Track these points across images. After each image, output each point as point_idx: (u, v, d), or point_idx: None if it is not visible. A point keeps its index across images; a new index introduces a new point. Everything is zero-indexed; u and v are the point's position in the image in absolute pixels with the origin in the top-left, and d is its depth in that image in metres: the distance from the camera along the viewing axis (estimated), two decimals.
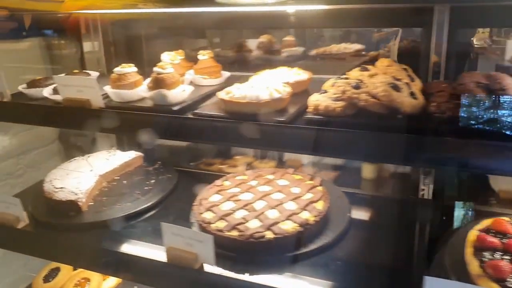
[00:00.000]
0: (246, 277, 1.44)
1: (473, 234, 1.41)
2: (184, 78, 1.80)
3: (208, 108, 1.53)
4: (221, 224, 1.58)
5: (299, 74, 1.67)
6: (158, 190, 1.96)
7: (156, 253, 1.57)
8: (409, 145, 1.20)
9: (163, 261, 1.50)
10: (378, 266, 1.51)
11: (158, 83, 1.56)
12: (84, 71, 2.02)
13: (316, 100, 1.38)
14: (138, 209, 1.81)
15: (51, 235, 1.73)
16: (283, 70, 1.73)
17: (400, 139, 1.21)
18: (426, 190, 1.91)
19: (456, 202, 1.87)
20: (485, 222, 1.47)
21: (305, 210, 1.63)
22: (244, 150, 3.33)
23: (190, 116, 1.48)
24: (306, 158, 3.50)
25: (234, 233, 1.52)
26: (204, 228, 1.58)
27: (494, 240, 1.34)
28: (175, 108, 1.54)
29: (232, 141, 1.44)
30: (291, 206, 1.66)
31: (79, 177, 1.96)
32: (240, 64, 2.57)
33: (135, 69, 1.71)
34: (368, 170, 3.16)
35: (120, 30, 2.46)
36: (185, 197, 1.97)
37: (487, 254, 1.30)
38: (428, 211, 1.82)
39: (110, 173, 2.07)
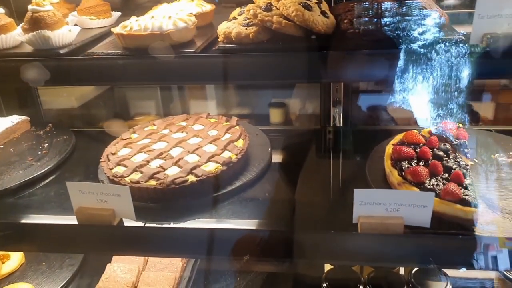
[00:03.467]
0: (171, 225, 1.38)
1: (389, 148, 1.51)
2: (67, 21, 1.59)
3: (103, 48, 1.37)
4: (136, 176, 1.47)
5: (202, 6, 1.58)
6: (54, 154, 1.76)
7: (66, 217, 1.42)
8: (328, 63, 1.21)
9: (74, 223, 1.37)
10: (307, 194, 1.54)
11: (37, 23, 1.35)
12: None
13: (226, 27, 1.32)
14: (33, 175, 1.61)
15: None
16: (183, 2, 1.62)
17: (319, 58, 1.21)
18: (337, 119, 2.00)
19: (365, 126, 2.01)
20: (398, 137, 1.58)
21: (226, 150, 1.59)
22: (145, 110, 3.18)
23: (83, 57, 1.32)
24: (213, 111, 3.46)
25: (152, 183, 1.43)
26: (117, 182, 1.46)
27: (409, 150, 1.44)
28: (62, 51, 1.36)
29: (133, 79, 1.33)
30: (210, 148, 1.61)
31: None
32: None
33: (2, 10, 1.46)
34: (275, 115, 3.23)
35: None
36: (88, 157, 1.81)
37: (405, 164, 1.40)
38: (342, 136, 1.91)
39: None
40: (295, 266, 1.79)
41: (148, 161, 1.55)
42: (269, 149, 1.70)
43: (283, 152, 1.86)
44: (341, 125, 2.05)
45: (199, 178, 1.44)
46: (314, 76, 1.29)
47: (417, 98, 1.86)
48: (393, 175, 1.38)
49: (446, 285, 1.60)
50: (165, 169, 1.50)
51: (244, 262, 1.66)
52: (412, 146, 1.48)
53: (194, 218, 1.40)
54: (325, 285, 1.62)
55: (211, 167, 1.50)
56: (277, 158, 1.76)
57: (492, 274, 1.78)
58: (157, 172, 1.48)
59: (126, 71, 1.28)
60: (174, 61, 1.27)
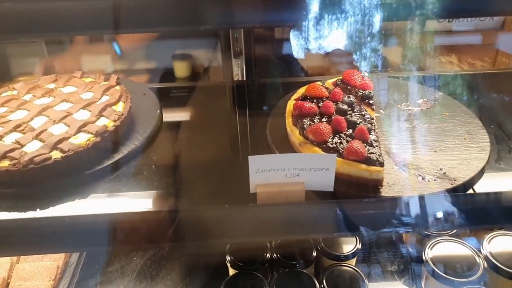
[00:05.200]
0: (37, 213, 1.14)
1: (290, 104, 1.35)
2: None
3: None
4: None
5: None
6: None
7: None
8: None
9: None
10: (202, 161, 1.36)
11: None
12: None
13: None
14: None
15: None
16: None
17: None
18: (239, 71, 1.81)
19: (270, 79, 1.84)
20: (300, 91, 1.43)
21: (102, 116, 1.34)
22: (29, 68, 2.78)
23: None
24: (110, 67, 3.11)
25: (5, 163, 1.16)
26: None
27: (311, 106, 1.30)
28: None
29: None
30: (83, 115, 1.35)
31: None
32: None
33: None
34: (180, 68, 2.98)
35: None
36: None
37: (306, 121, 1.26)
38: (244, 91, 1.73)
39: None
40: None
41: (2, 136, 1.26)
42: (158, 111, 1.47)
43: (180, 112, 1.65)
44: (244, 78, 1.88)
45: (65, 154, 1.19)
46: (195, 22, 1.08)
47: (324, 44, 1.71)
48: (294, 135, 1.24)
49: (356, 244, 1.54)
50: (23, 145, 1.22)
51: (137, 243, 1.47)
52: (315, 101, 1.34)
53: (62, 203, 1.16)
54: (230, 258, 1.49)
55: (81, 139, 1.24)
56: (172, 119, 1.55)
57: None
58: (12, 150, 1.20)
59: None
60: None
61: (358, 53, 1.57)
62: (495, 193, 1.12)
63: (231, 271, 1.49)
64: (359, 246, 1.53)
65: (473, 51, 2.79)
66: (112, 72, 2.85)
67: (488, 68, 2.59)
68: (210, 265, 1.59)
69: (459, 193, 1.14)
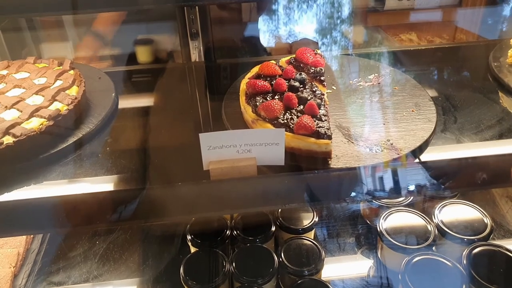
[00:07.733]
0: None
1: (244, 83, 1.40)
2: None
3: None
4: None
5: None
6: None
7: None
8: None
9: None
10: (159, 141, 1.40)
11: None
12: None
13: None
14: None
15: None
16: None
17: None
18: (196, 53, 1.85)
19: (229, 60, 1.88)
20: (254, 69, 1.48)
21: (56, 100, 1.36)
22: None
23: None
24: (71, 54, 3.08)
25: None
26: None
27: (264, 84, 1.35)
28: None
29: None
30: (36, 100, 1.37)
31: None
32: None
33: None
34: (142, 53, 2.98)
35: None
36: None
37: (259, 98, 1.31)
38: (203, 73, 1.77)
39: None
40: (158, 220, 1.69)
41: None
42: (113, 94, 1.50)
43: (136, 95, 1.68)
44: (203, 60, 1.91)
45: (17, 139, 1.21)
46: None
47: (282, 23, 1.76)
48: (247, 113, 1.29)
49: (313, 217, 1.62)
50: None
51: (94, 224, 1.50)
52: (268, 79, 1.40)
53: (17, 188, 1.19)
54: (190, 237, 1.54)
55: (34, 124, 1.27)
56: (129, 102, 1.58)
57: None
58: None
59: None
60: None
61: (320, 35, 1.63)
62: (439, 161, 1.21)
63: (193, 250, 1.55)
64: (316, 219, 1.61)
65: (432, 29, 2.89)
66: (75, 59, 2.84)
67: (438, 43, 2.69)
68: (172, 245, 1.64)
69: (404, 162, 1.22)
